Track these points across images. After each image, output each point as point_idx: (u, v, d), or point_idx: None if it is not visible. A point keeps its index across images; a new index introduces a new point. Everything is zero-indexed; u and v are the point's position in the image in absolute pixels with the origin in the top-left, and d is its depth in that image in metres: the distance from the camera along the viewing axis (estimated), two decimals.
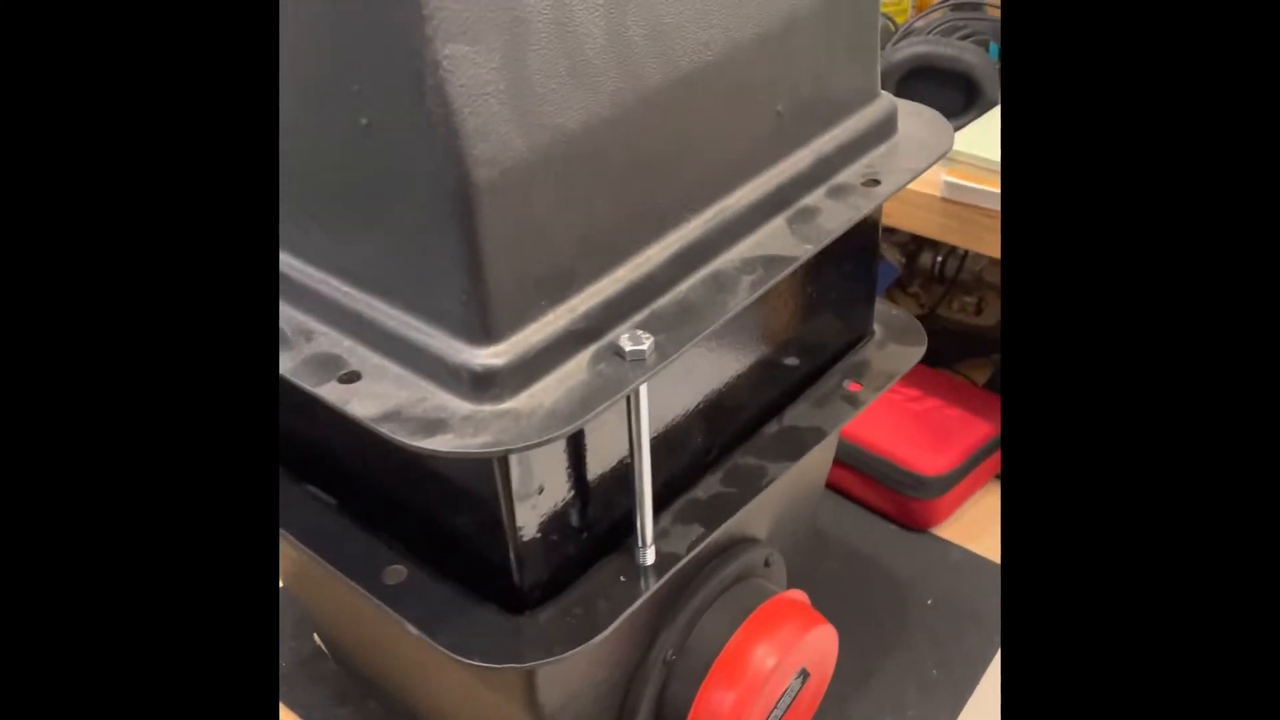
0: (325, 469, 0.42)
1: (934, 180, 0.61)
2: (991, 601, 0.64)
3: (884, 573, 0.66)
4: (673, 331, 0.34)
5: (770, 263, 0.38)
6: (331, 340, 0.35)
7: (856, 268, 0.47)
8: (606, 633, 0.36)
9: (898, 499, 0.68)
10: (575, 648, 0.36)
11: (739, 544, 0.48)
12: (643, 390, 0.35)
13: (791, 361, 0.47)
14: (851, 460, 0.69)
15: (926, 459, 0.67)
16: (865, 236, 0.47)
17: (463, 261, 0.30)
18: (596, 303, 0.34)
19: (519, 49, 0.29)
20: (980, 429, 0.69)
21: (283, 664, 0.62)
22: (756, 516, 0.49)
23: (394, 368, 0.33)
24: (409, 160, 0.30)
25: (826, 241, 0.38)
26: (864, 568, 0.66)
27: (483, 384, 0.31)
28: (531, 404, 0.32)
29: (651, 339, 0.34)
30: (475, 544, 0.37)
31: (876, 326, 0.51)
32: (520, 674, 0.39)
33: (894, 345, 0.50)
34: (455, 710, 0.49)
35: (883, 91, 0.44)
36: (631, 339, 0.33)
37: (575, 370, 0.33)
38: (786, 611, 0.48)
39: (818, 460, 0.52)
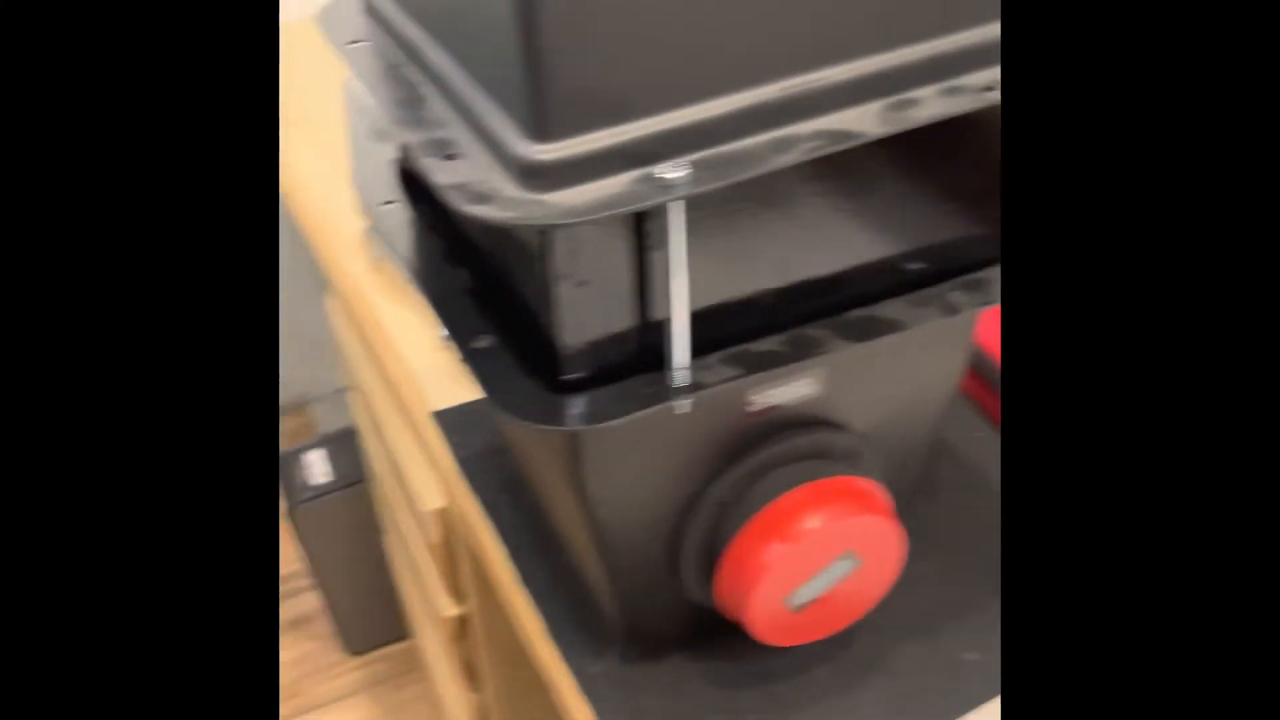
0: (465, 256, 0.51)
1: None
2: None
3: None
4: (716, 171, 0.39)
5: (839, 136, 0.40)
6: (457, 129, 0.43)
7: (990, 181, 0.48)
8: (614, 423, 0.42)
9: None
10: (587, 425, 0.42)
11: (821, 424, 0.51)
12: (677, 216, 0.40)
13: (908, 265, 0.49)
14: None
15: None
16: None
17: (526, 67, 0.37)
18: (651, 133, 0.39)
19: None
20: None
21: (476, 450, 0.74)
22: (846, 404, 0.51)
23: (484, 155, 0.41)
24: None
25: (903, 127, 0.40)
26: None
27: (529, 174, 0.38)
28: (563, 199, 0.38)
29: (689, 171, 0.38)
30: (536, 328, 0.44)
31: None
32: (565, 448, 0.46)
33: None
34: (553, 503, 0.58)
35: None
36: (671, 167, 0.38)
37: (614, 185, 0.39)
38: (848, 491, 0.51)
39: (929, 367, 0.53)
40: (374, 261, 0.90)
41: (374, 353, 0.86)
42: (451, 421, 0.77)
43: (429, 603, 0.96)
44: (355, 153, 0.91)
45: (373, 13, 0.54)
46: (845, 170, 0.45)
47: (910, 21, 0.42)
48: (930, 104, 0.42)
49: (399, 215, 0.57)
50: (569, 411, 0.43)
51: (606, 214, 0.37)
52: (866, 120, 0.41)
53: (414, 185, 0.58)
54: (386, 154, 0.61)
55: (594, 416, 0.43)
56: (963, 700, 0.55)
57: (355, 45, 0.51)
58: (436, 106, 0.44)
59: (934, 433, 0.57)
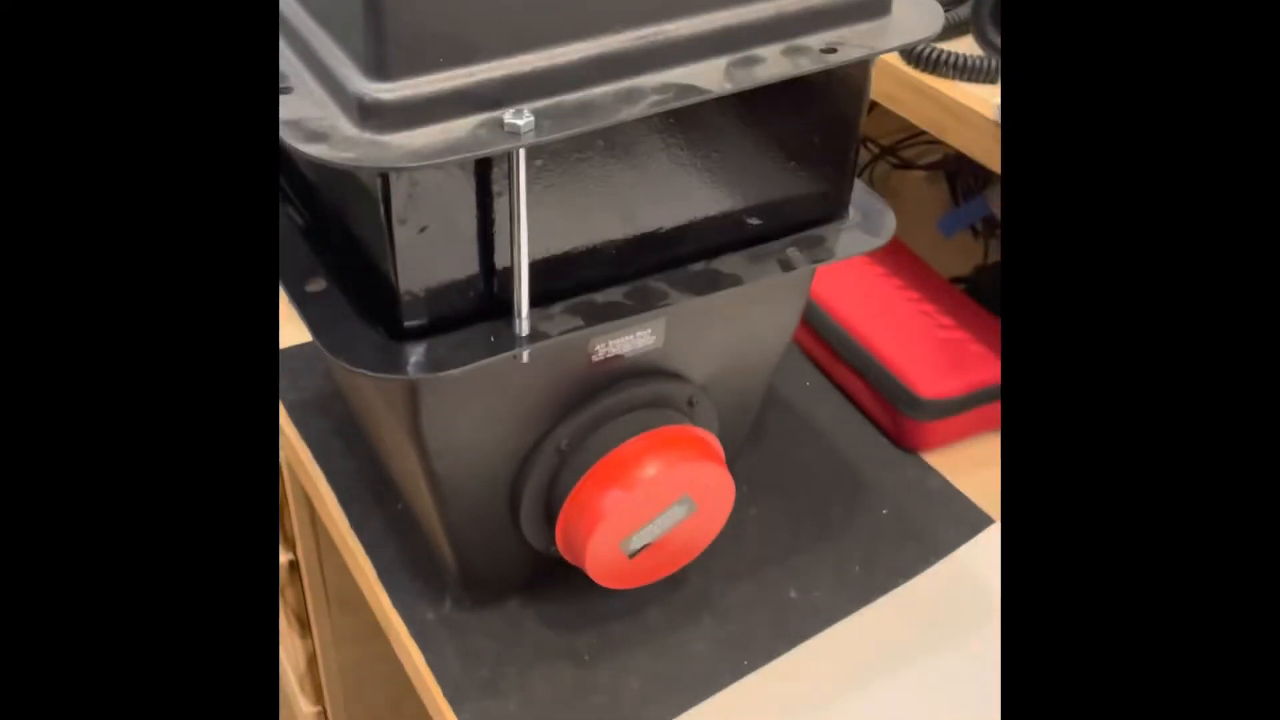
0: (297, 193, 0.49)
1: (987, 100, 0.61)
2: (943, 529, 0.65)
3: (853, 475, 0.68)
4: (562, 120, 0.39)
5: (685, 91, 0.41)
6: (290, 63, 0.41)
7: (829, 141, 0.49)
8: (454, 372, 0.42)
9: (892, 413, 0.69)
10: (427, 373, 0.42)
11: (659, 374, 0.52)
12: (520, 166, 0.39)
13: (749, 220, 0.50)
14: (859, 365, 0.71)
15: (928, 380, 0.68)
16: (843, 112, 0.49)
17: (366, 1, 0.35)
18: (496, 77, 0.38)
19: None
20: (998, 372, 0.69)
21: (307, 395, 0.71)
22: (684, 355, 0.52)
23: (319, 90, 0.39)
24: None
25: (747, 85, 0.41)
26: (836, 466, 0.68)
27: (368, 114, 0.37)
28: (403, 141, 0.37)
29: (533, 118, 0.38)
30: (374, 272, 0.43)
31: (853, 211, 0.53)
32: (403, 397, 0.46)
33: (859, 233, 0.52)
34: (388, 451, 0.57)
35: None
36: (515, 114, 0.38)
37: (458, 129, 0.38)
38: (684, 440, 0.52)
39: (765, 320, 0.55)
40: None
41: None
42: (281, 365, 0.74)
43: None
44: None
45: None
46: (689, 124, 0.45)
47: None
48: (773, 63, 0.42)
49: None
50: (408, 360, 0.42)
51: (448, 159, 0.36)
52: (711, 76, 0.41)
53: None
54: None
55: (434, 365, 0.42)
56: (788, 636, 0.58)
57: None
58: None
59: (768, 383, 0.59)
